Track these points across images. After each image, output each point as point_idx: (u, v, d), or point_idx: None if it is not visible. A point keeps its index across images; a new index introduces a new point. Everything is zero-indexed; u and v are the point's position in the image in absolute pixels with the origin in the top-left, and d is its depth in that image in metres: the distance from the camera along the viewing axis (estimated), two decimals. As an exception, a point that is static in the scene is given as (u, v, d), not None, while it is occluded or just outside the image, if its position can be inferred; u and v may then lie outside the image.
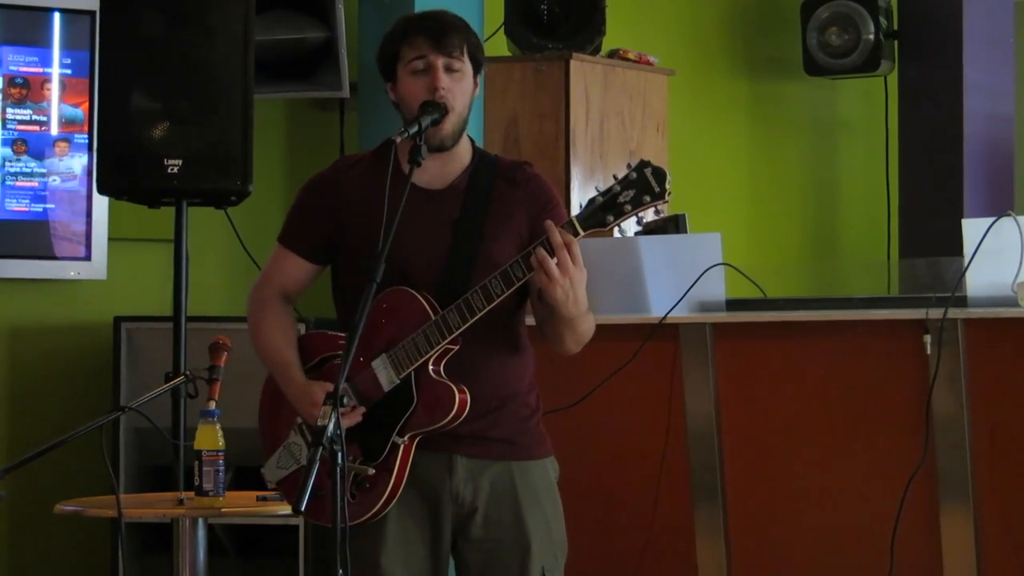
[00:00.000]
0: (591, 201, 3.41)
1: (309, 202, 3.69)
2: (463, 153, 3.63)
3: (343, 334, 3.58)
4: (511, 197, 3.59)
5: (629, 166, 3.39)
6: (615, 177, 3.40)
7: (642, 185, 3.37)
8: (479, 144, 3.72)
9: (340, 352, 3.55)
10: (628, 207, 3.37)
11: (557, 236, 3.38)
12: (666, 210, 6.44)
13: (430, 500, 3.60)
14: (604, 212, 3.39)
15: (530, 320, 3.68)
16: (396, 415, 3.52)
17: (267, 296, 3.72)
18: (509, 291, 3.43)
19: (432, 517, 3.60)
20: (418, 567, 3.61)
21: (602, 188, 3.42)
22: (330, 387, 3.47)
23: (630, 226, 6.27)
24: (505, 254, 3.50)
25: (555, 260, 3.38)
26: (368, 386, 3.54)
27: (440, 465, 3.58)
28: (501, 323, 3.58)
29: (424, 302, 3.51)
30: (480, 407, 3.55)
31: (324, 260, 3.69)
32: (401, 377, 3.52)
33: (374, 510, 3.54)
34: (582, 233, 3.41)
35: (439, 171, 3.60)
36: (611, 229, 3.43)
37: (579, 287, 3.42)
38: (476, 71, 3.62)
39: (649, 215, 6.43)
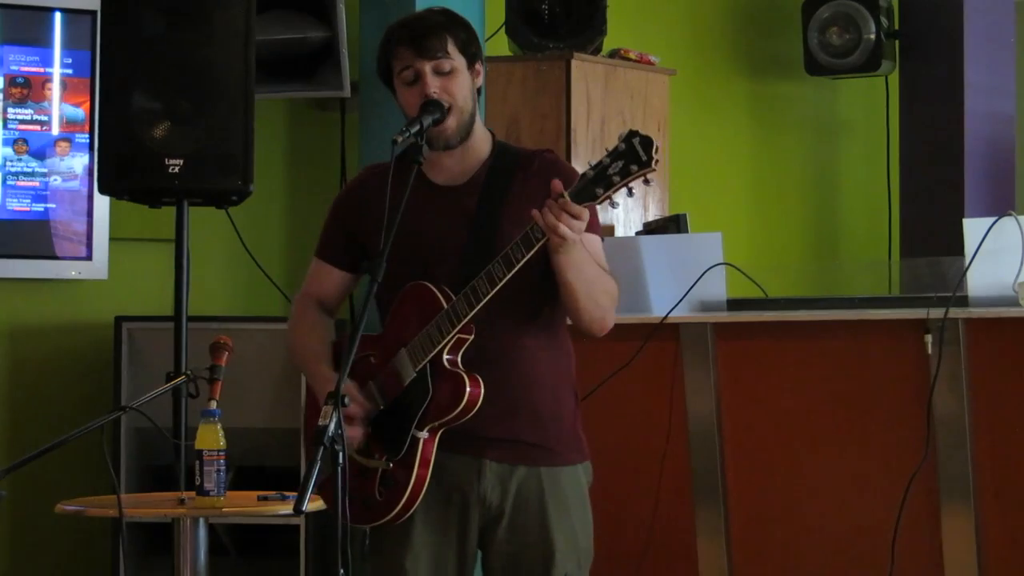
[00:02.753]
0: (582, 176, 3.38)
1: (337, 213, 3.72)
2: (480, 147, 3.62)
3: (377, 334, 3.61)
4: (530, 186, 3.56)
5: (620, 136, 3.37)
6: (606, 150, 3.39)
7: (630, 155, 3.33)
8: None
9: (373, 352, 3.56)
10: (617, 178, 3.33)
11: (546, 216, 3.34)
12: (667, 187, 6.44)
13: (458, 503, 3.57)
14: (594, 185, 3.34)
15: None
16: (414, 409, 3.51)
17: (302, 305, 3.74)
18: (511, 273, 3.40)
19: (460, 521, 3.58)
20: (444, 571, 3.59)
21: (594, 163, 3.41)
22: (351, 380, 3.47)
23: (634, 221, 6.29)
24: None
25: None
26: (390, 382, 3.54)
27: (469, 468, 3.56)
28: (530, 315, 3.56)
29: (438, 293, 3.50)
30: (509, 404, 3.53)
31: (357, 267, 3.70)
32: (417, 370, 3.51)
33: (399, 508, 3.50)
34: None
35: (457, 167, 3.59)
36: (602, 201, 3.39)
37: (577, 230, 3.36)
38: (472, 62, 3.60)
39: (652, 206, 6.45)
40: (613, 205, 3.41)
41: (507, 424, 3.54)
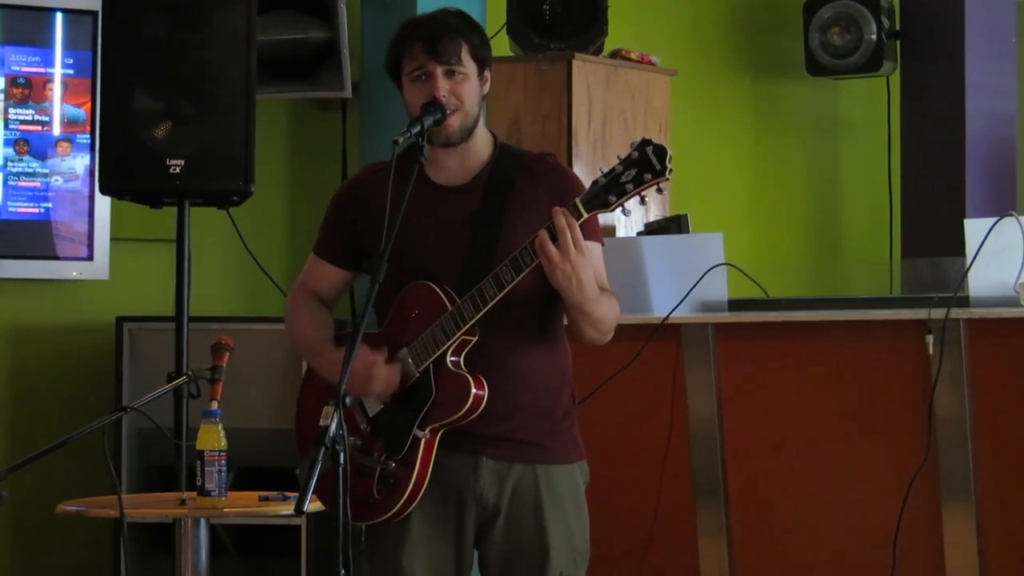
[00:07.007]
0: (594, 183, 3.40)
1: (336, 210, 3.72)
2: (481, 148, 3.63)
3: (376, 332, 3.61)
4: (533, 189, 3.58)
5: (632, 145, 3.38)
6: (618, 158, 3.40)
7: (643, 163, 3.35)
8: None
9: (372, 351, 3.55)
10: (630, 186, 3.35)
11: (560, 219, 3.36)
12: (668, 188, 6.45)
13: (455, 502, 3.58)
14: (606, 192, 3.37)
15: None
16: (416, 408, 3.52)
17: (301, 296, 3.74)
18: (519, 278, 3.42)
19: (456, 519, 3.59)
20: (442, 569, 3.60)
21: (605, 170, 3.41)
22: (367, 351, 3.46)
23: (636, 222, 6.29)
24: None
25: (558, 244, 3.37)
26: None
27: (466, 467, 3.57)
28: (529, 317, 3.57)
29: (443, 294, 3.51)
30: (506, 404, 3.54)
31: (354, 266, 3.71)
32: (420, 370, 3.52)
33: (398, 506, 3.52)
34: (585, 215, 3.39)
35: (458, 167, 3.60)
36: (614, 209, 3.40)
37: (582, 272, 3.39)
38: (482, 69, 3.61)
39: (654, 207, 6.45)
40: (625, 213, 3.42)
41: (504, 423, 3.55)
